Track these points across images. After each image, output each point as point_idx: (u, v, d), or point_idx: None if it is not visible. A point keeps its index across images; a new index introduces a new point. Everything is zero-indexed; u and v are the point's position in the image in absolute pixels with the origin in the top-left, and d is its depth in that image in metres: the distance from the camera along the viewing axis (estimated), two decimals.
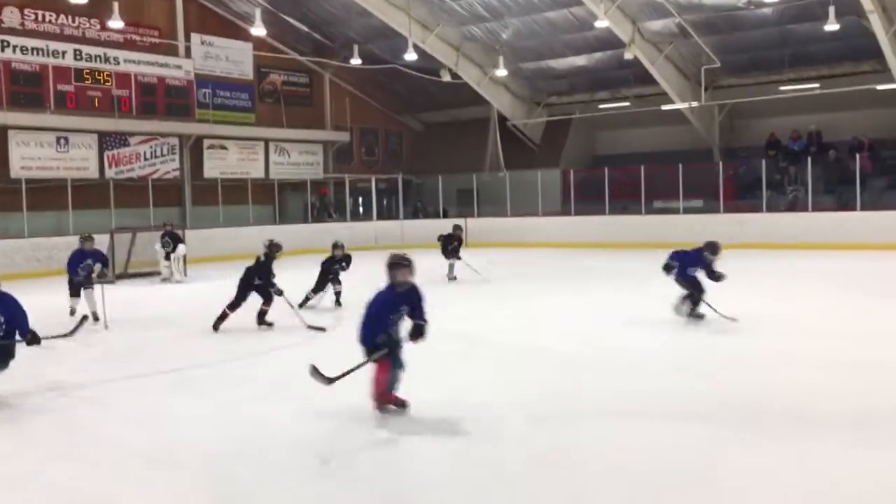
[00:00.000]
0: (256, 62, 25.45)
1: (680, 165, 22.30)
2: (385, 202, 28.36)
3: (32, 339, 6.74)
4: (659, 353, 8.12)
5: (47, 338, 7.72)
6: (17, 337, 6.66)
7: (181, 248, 16.41)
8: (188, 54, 23.69)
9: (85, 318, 10.18)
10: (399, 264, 5.98)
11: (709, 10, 20.62)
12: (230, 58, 24.74)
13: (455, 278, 15.18)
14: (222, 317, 9.94)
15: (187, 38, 23.70)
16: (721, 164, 22.93)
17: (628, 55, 21.91)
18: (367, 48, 24.58)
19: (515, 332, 9.55)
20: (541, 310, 11.47)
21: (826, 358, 7.73)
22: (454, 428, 5.67)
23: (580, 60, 24.85)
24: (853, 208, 19.79)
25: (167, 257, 16.33)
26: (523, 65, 25.54)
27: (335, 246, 12.21)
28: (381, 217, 26.75)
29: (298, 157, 26.90)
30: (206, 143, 24.36)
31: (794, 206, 21.28)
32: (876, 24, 18.40)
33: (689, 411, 6.01)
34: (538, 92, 27.54)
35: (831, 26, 18.51)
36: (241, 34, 24.44)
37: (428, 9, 23.01)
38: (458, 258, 15.37)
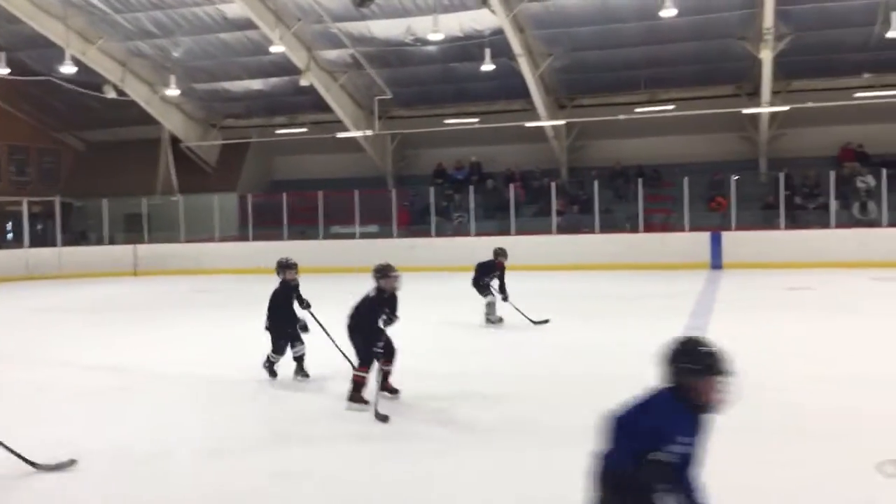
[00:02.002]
0: None
1: (356, 192, 22.94)
2: (40, 227, 25.57)
3: None
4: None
5: None
6: None
7: None
8: None
9: None
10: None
11: (380, 44, 21.55)
12: None
13: (501, 320, 11.53)
14: None
15: None
16: (394, 191, 23.99)
17: (304, 82, 22.12)
18: (16, 56, 22.05)
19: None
20: (235, 337, 11.02)
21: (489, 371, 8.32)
22: None
23: (256, 84, 24.60)
24: (509, 233, 21.77)
25: None
26: (197, 85, 24.65)
27: None
28: (34, 244, 24.02)
29: None
30: None
31: (460, 230, 22.91)
32: (524, 66, 20.53)
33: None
34: (213, 114, 26.76)
35: (487, 67, 20.28)
36: None
37: (88, 19, 21.26)
38: (504, 296, 11.52)
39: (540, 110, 22.24)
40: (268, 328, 7.90)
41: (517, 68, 20.69)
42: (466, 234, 22.32)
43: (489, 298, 11.47)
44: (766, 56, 18.61)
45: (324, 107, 23.64)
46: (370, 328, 6.81)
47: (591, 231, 21.40)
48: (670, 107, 22.40)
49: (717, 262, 19.41)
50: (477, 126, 23.88)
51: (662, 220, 21.67)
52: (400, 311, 7.08)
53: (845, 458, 5.30)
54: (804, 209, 20.65)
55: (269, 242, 22.85)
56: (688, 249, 19.79)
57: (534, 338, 10.51)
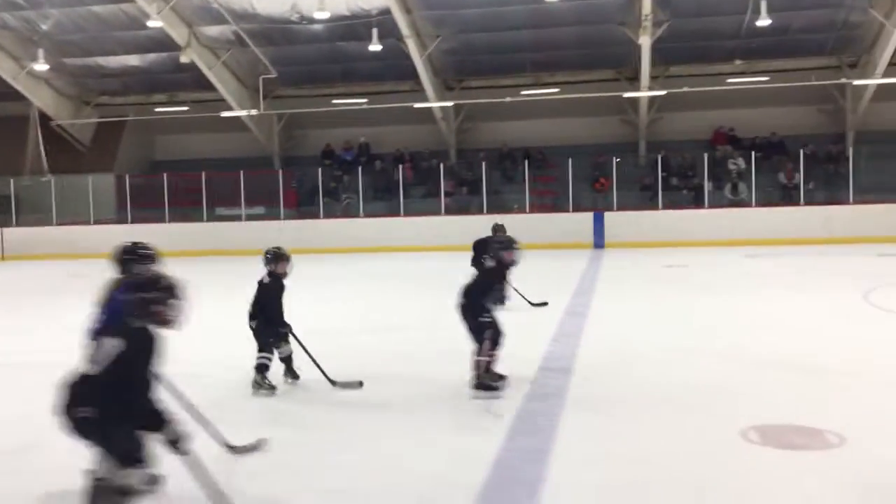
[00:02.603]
0: None
1: (241, 173, 22.36)
2: None
3: None
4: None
5: None
6: None
7: None
8: None
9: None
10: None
11: (263, 21, 21.00)
12: None
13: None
14: None
15: None
16: (281, 172, 23.52)
17: (185, 59, 21.34)
18: None
19: None
20: None
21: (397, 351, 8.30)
22: None
23: (133, 60, 23.55)
24: (398, 214, 21.75)
25: None
26: (68, 60, 23.38)
27: None
28: None
29: None
30: None
31: (348, 212, 22.72)
32: (412, 47, 20.47)
33: None
34: (87, 90, 25.48)
35: (375, 47, 20.11)
36: None
37: None
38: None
39: (428, 92, 22.26)
40: (253, 327, 6.73)
41: (405, 49, 20.61)
42: (355, 215, 22.15)
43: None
44: (645, 42, 19.21)
45: (206, 85, 22.89)
46: (486, 305, 6.41)
47: (480, 212, 21.62)
48: (555, 90, 22.85)
49: (599, 242, 20.00)
50: (365, 107, 23.69)
51: (548, 201, 22.14)
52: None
53: (713, 426, 5.56)
54: (680, 190, 21.52)
55: (150, 225, 22.05)
56: (572, 229, 20.30)
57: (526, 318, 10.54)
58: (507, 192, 22.38)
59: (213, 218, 22.66)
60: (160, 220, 22.29)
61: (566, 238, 19.99)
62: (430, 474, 4.82)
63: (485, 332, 6.40)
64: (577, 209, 21.02)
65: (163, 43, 21.55)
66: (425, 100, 22.56)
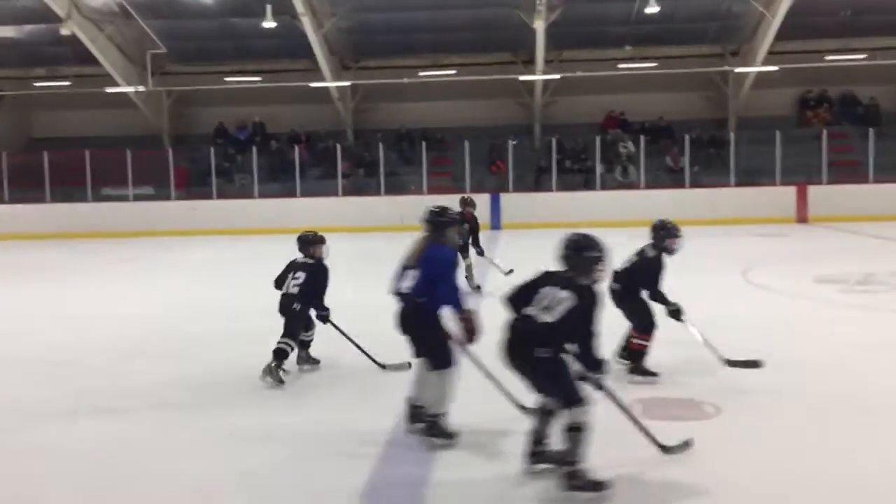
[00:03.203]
0: None
1: (128, 151, 21.52)
2: None
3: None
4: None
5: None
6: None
7: None
8: None
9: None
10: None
11: None
12: None
13: (478, 288, 10.29)
14: None
15: None
16: (171, 151, 22.75)
17: (65, 31, 20.29)
18: None
19: None
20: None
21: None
22: None
23: (7, 31, 22.23)
24: (294, 195, 21.42)
25: None
26: None
27: None
28: None
29: None
30: None
31: (242, 192, 22.20)
32: (307, 26, 20.12)
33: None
34: None
35: (269, 24, 19.65)
36: None
37: None
38: (479, 251, 10.60)
39: (325, 71, 21.96)
40: (297, 310, 6.41)
41: (300, 27, 20.23)
42: (250, 195, 21.69)
43: (466, 261, 10.13)
44: (539, 26, 19.50)
45: (89, 59, 21.86)
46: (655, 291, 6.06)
47: (377, 193, 21.58)
48: (452, 72, 22.94)
49: (496, 223, 20.28)
50: (259, 85, 23.18)
51: (445, 182, 22.26)
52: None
53: (600, 399, 5.75)
54: (574, 172, 22.03)
55: (30, 205, 21.03)
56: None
57: None
58: (405, 173, 22.38)
59: (99, 198, 21.73)
60: (41, 199, 21.25)
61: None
62: (327, 456, 4.80)
63: (641, 318, 6.21)
64: (473, 190, 21.19)
65: (41, 14, 20.41)
66: (322, 79, 22.25)
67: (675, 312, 6.21)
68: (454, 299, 4.88)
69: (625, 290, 6.27)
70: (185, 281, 12.85)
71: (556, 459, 4.23)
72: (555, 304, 4.12)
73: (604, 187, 21.22)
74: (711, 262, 13.19)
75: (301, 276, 6.46)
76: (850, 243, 15.31)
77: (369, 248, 16.88)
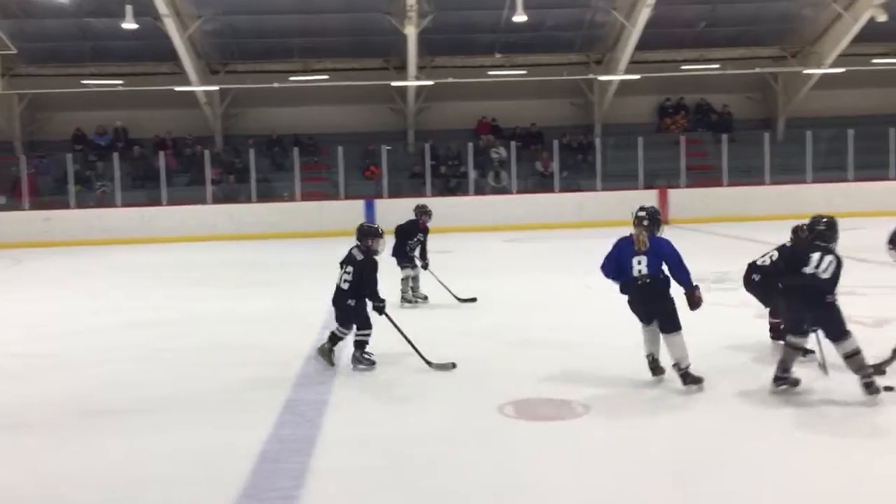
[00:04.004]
0: None
1: None
2: None
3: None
4: None
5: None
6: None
7: None
8: None
9: None
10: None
11: None
12: None
13: (425, 298, 9.95)
14: None
15: None
16: (24, 157, 21.41)
17: None
18: None
19: None
20: None
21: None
22: None
23: None
24: (160, 203, 20.62)
25: None
26: None
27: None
28: None
29: None
30: None
31: (103, 201, 21.20)
32: (171, 27, 19.40)
33: None
34: None
35: (130, 25, 18.80)
36: None
37: None
38: (424, 264, 9.98)
39: (190, 74, 21.25)
40: (352, 305, 6.66)
41: (163, 29, 19.50)
42: (112, 204, 20.71)
43: (408, 272, 9.82)
44: (411, 32, 19.57)
45: None
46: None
47: (249, 200, 21.09)
48: (324, 77, 22.70)
49: None
50: (121, 88, 22.20)
51: (319, 188, 22.00)
52: None
53: (473, 404, 5.80)
54: (448, 178, 22.24)
55: None
56: (344, 217, 20.26)
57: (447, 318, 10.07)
58: (277, 179, 21.98)
59: None
60: None
61: (338, 226, 19.92)
62: (192, 472, 4.61)
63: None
64: (348, 196, 21.09)
65: None
66: (187, 83, 21.52)
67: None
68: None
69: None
70: (38, 296, 12.10)
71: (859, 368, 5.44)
72: (826, 265, 5.47)
73: (477, 192, 21.52)
74: (580, 264, 13.58)
75: (351, 270, 6.68)
76: (707, 243, 16.14)
77: (240, 258, 16.44)
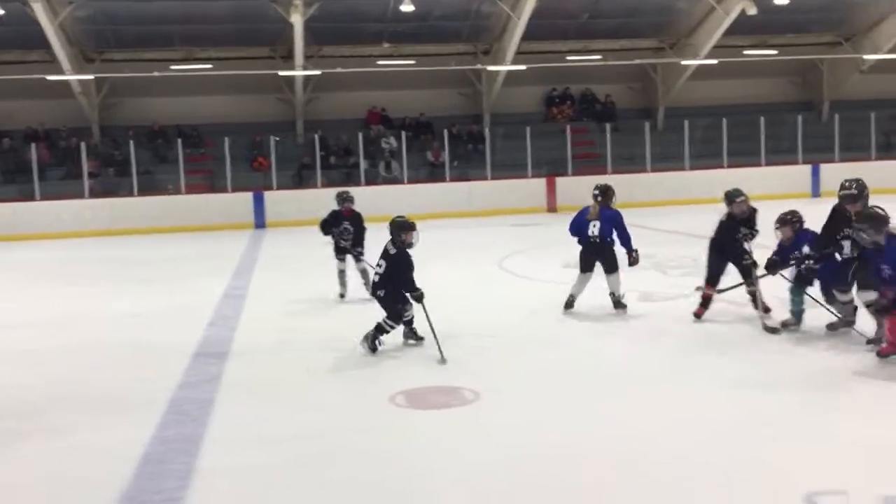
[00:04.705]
0: None
1: None
2: None
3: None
4: None
5: None
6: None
7: None
8: None
9: None
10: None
11: None
12: None
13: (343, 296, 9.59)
14: None
15: None
16: None
17: None
18: None
19: None
20: None
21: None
22: None
23: None
24: (33, 198, 19.58)
25: None
26: None
27: None
28: None
29: None
30: None
31: None
32: (40, 13, 18.34)
33: None
34: None
35: None
36: None
37: None
38: (357, 255, 9.54)
39: (63, 63, 20.16)
40: (381, 296, 6.95)
41: (32, 15, 18.43)
42: None
43: (340, 265, 9.62)
44: (297, 20, 19.22)
45: None
46: (731, 246, 7.41)
47: (130, 194, 20.28)
48: (207, 66, 22.04)
49: (260, 222, 19.81)
50: None
51: (205, 181, 21.39)
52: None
53: (365, 396, 5.79)
54: (339, 169, 22.02)
55: None
56: (231, 210, 19.87)
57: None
58: (160, 172, 21.19)
59: None
60: None
61: (225, 219, 19.51)
62: (67, 478, 4.42)
63: (750, 271, 7.36)
64: (235, 189, 20.58)
65: None
66: (60, 72, 20.43)
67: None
68: None
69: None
70: None
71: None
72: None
73: (368, 183, 21.41)
74: (470, 253, 13.77)
75: (383, 264, 6.97)
76: None
77: (118, 254, 15.80)
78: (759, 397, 5.37)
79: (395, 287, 6.89)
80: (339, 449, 4.76)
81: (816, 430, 4.76)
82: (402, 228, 6.99)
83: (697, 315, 7.51)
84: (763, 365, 6.15)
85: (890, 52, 22.91)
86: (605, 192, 8.20)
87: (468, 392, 5.70)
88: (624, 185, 20.86)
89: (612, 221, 8.05)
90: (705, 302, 7.51)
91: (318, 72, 21.72)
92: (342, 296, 9.55)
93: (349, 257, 9.57)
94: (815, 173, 21.68)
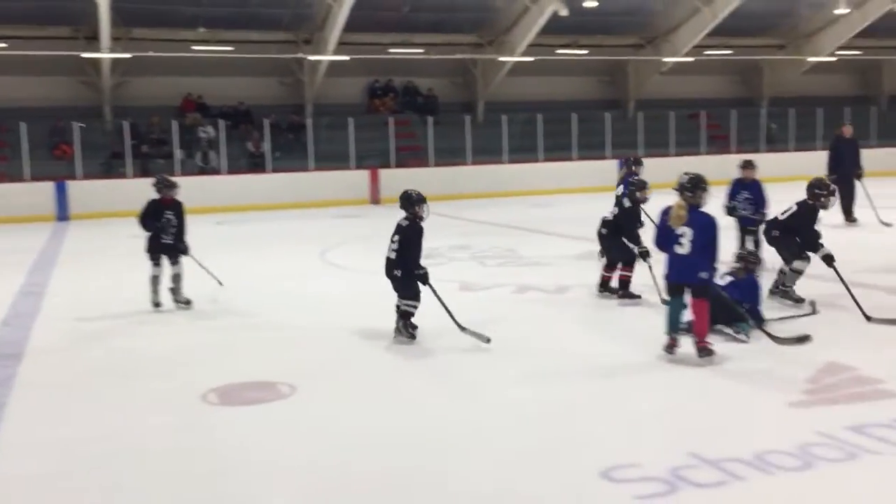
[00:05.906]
0: None
1: None
2: None
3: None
4: None
5: None
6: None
7: None
8: None
9: None
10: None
11: None
12: None
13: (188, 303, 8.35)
14: None
15: None
16: None
17: None
18: None
19: None
20: None
21: None
22: None
23: None
24: None
25: None
26: None
27: None
28: None
29: None
30: None
31: None
32: None
33: None
34: None
35: None
36: None
37: None
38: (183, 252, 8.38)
39: None
40: (399, 275, 6.52)
41: None
42: None
43: (156, 270, 8.34)
44: (103, 0, 18.06)
45: None
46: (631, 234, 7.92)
47: None
48: (2, 45, 20.27)
49: (63, 214, 18.47)
50: None
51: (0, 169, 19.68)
52: None
53: (176, 393, 5.54)
54: (152, 158, 20.90)
55: None
56: (30, 201, 18.39)
57: None
58: None
59: None
60: None
61: (23, 211, 18.02)
62: None
63: (626, 255, 7.92)
64: (35, 178, 19.05)
65: None
66: None
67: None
68: None
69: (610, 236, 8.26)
70: None
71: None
72: None
73: (184, 173, 20.47)
74: (293, 245, 13.54)
75: (397, 238, 6.60)
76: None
77: None
78: (558, 384, 5.63)
79: (407, 264, 6.54)
80: (143, 451, 4.53)
81: (613, 408, 5.05)
82: (415, 202, 6.63)
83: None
84: (562, 356, 6.45)
85: (686, 55, 24.75)
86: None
87: (284, 386, 5.59)
88: (446, 178, 21.57)
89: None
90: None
91: (126, 55, 20.53)
92: (157, 304, 8.24)
93: (164, 259, 8.29)
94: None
